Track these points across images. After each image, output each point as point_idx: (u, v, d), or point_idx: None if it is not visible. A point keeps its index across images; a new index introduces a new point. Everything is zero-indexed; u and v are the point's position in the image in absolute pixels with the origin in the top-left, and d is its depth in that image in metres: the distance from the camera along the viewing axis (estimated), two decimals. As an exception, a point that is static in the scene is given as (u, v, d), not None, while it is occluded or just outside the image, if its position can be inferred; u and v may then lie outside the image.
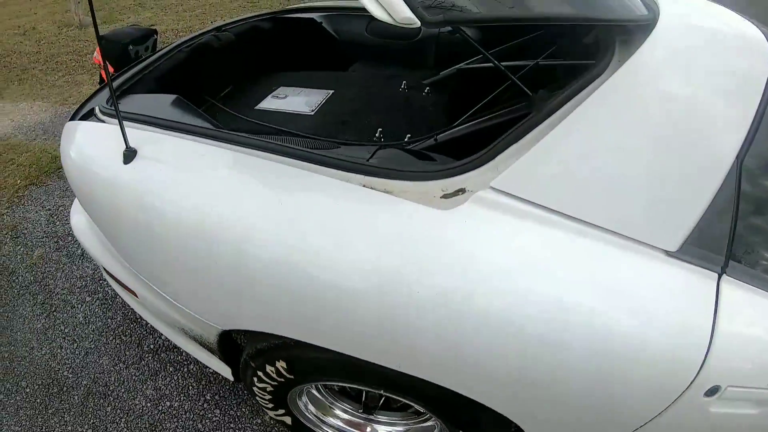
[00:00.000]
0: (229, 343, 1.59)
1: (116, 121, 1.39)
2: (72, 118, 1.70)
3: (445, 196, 1.05)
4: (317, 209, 1.11)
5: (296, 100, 2.13)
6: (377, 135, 1.85)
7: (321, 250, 1.06)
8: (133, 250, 1.51)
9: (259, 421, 1.97)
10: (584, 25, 1.67)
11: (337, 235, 1.06)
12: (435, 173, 1.09)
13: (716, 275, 0.98)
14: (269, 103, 2.13)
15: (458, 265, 0.98)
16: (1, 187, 3.55)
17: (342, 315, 1.08)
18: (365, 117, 2.01)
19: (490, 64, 1.58)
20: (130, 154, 1.34)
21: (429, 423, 1.62)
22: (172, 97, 1.66)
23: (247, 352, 1.45)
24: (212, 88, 2.24)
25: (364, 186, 1.09)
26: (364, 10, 2.01)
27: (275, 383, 1.46)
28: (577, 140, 1.14)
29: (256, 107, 2.12)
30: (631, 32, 1.37)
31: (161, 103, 1.61)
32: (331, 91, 2.18)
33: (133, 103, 1.64)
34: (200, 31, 2.40)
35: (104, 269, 1.86)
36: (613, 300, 0.96)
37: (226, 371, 1.69)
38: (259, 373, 1.44)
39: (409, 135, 1.80)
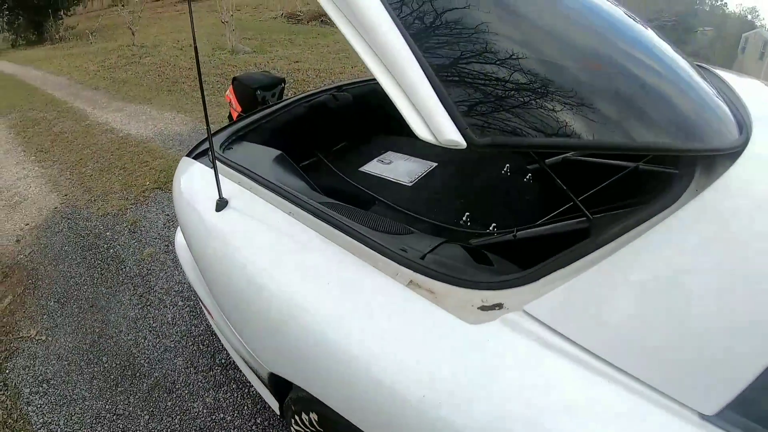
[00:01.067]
0: (280, 381, 1.64)
1: (224, 166, 1.61)
2: (188, 155, 1.93)
3: (482, 308, 1.02)
4: (363, 299, 1.15)
5: (399, 169, 2.24)
6: (464, 219, 1.89)
7: (358, 335, 1.10)
8: (211, 279, 1.67)
9: (297, 457, 2.09)
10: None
11: (374, 325, 1.10)
12: (479, 284, 1.07)
13: None
14: (373, 167, 2.27)
15: (473, 380, 0.95)
16: (131, 184, 3.96)
17: (365, 397, 1.09)
18: (459, 197, 2.04)
19: (604, 159, 1.56)
20: (221, 204, 1.51)
21: None
22: (277, 152, 1.80)
23: (290, 395, 1.54)
24: (325, 143, 2.42)
25: (411, 282, 1.11)
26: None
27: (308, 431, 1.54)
28: (625, 278, 1.04)
29: (360, 168, 2.26)
30: (716, 158, 1.22)
31: (266, 157, 1.76)
32: (434, 164, 2.27)
33: (241, 150, 1.81)
34: (321, 89, 2.60)
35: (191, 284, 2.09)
36: None
37: (274, 405, 1.78)
38: (296, 418, 1.53)
39: (494, 224, 1.83)
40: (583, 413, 0.88)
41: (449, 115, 0.95)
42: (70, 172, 4.26)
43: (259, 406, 2.24)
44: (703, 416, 0.84)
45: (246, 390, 2.30)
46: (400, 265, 1.14)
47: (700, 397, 0.87)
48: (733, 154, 1.21)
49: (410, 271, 1.12)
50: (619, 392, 0.89)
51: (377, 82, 2.07)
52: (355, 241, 1.24)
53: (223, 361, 2.45)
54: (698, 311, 0.98)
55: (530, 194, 2.11)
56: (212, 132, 1.91)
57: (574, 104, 1.14)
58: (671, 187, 1.19)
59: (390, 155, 2.44)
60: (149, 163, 4.28)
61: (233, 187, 1.57)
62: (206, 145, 1.91)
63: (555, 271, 1.05)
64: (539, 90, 1.13)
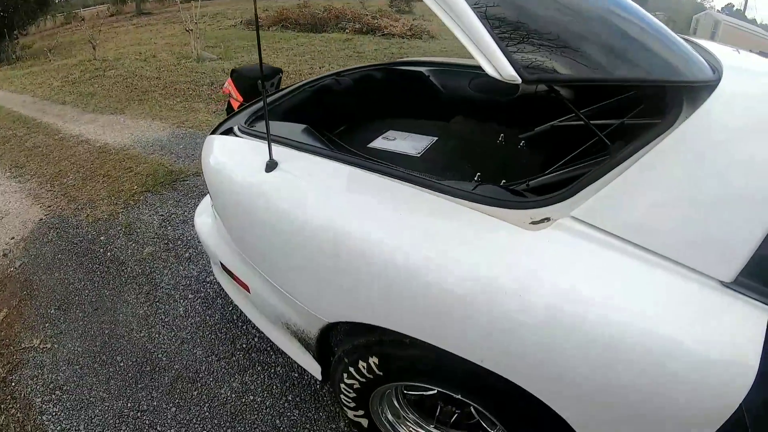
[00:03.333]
0: (325, 343, 1.77)
1: (252, 138, 1.72)
2: (212, 133, 1.99)
3: (533, 223, 1.26)
4: (431, 222, 1.34)
5: (404, 144, 2.33)
6: (476, 179, 2.03)
7: (433, 256, 1.28)
8: (259, 246, 1.75)
9: (334, 426, 2.10)
10: (658, 86, 1.83)
11: (448, 245, 1.28)
12: (527, 203, 1.30)
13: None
14: (380, 143, 2.34)
15: (541, 280, 1.19)
16: (118, 190, 3.91)
17: (442, 312, 1.29)
18: (465, 164, 2.18)
19: (581, 122, 1.76)
20: (272, 164, 1.61)
21: None
22: (302, 126, 1.90)
23: (343, 348, 1.63)
24: (330, 125, 2.47)
25: (469, 210, 1.32)
26: (467, 67, 2.27)
27: (364, 380, 1.61)
28: (647, 180, 1.30)
29: (368, 145, 2.33)
30: (698, 91, 1.49)
31: (293, 130, 1.86)
32: (435, 138, 2.38)
33: (264, 127, 1.89)
34: (323, 75, 2.70)
35: (221, 265, 2.09)
36: (668, 323, 1.14)
37: (316, 369, 1.86)
38: (351, 369, 1.61)
39: (504, 181, 1.96)
40: (623, 289, 1.18)
41: (507, 59, 1.16)
42: (50, 184, 4.17)
43: (288, 384, 2.25)
44: (723, 283, 1.14)
45: (272, 370, 2.31)
46: (456, 197, 1.35)
47: (719, 267, 1.17)
48: (710, 87, 1.50)
49: (466, 201, 1.33)
50: (653, 270, 1.19)
51: (372, 69, 2.32)
52: (411, 184, 1.42)
53: (244, 345, 2.44)
54: (706, 199, 1.26)
55: (526, 157, 2.36)
56: (230, 115, 2.14)
57: (597, 48, 1.43)
58: (666, 117, 1.47)
59: (392, 133, 2.50)
60: (133, 169, 4.23)
61: (276, 151, 1.65)
62: (227, 125, 2.00)
63: (588, 185, 1.31)
64: (571, 39, 1.39)
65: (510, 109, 2.87)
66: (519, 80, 1.14)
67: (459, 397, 1.51)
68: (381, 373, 1.55)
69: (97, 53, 9.06)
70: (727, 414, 1.10)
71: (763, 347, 1.09)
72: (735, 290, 1.15)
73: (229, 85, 2.78)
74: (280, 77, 2.88)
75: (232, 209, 1.80)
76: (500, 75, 1.15)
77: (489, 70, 1.16)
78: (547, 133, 2.46)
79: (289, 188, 1.57)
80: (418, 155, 2.23)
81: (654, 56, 1.56)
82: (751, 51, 2.07)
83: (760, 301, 1.14)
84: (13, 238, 3.52)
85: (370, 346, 1.53)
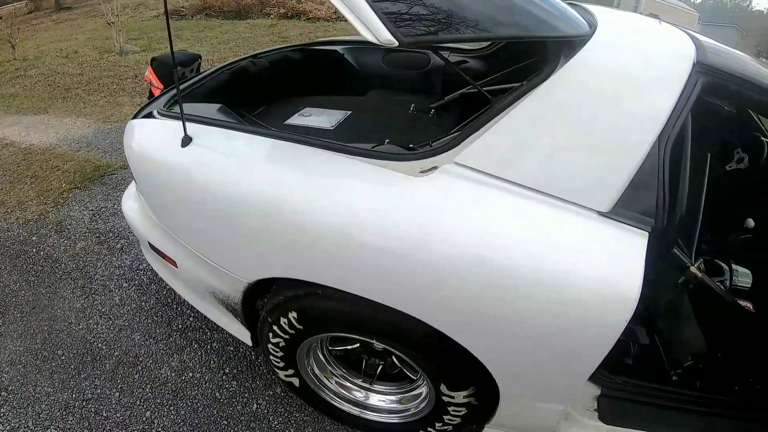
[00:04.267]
0: (251, 309, 1.90)
1: (170, 119, 1.80)
2: (134, 118, 2.05)
3: (422, 172, 1.42)
4: (333, 179, 1.48)
5: (319, 119, 2.41)
6: (385, 144, 2.18)
7: (335, 208, 1.43)
8: (180, 218, 1.86)
9: (271, 393, 2.23)
10: (536, 43, 2.01)
11: (349, 197, 1.44)
12: (417, 155, 1.47)
13: (647, 233, 1.32)
14: (296, 120, 2.42)
15: (428, 217, 1.36)
16: (46, 189, 3.88)
17: (344, 257, 1.45)
18: (377, 133, 2.28)
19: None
20: (187, 140, 1.69)
21: (418, 390, 1.89)
22: (218, 105, 1.99)
23: (265, 309, 1.76)
24: (248, 106, 2.54)
25: (367, 165, 1.47)
26: (379, 45, 2.36)
27: (287, 336, 1.75)
28: (522, 125, 1.44)
29: (285, 123, 2.41)
30: (573, 45, 1.62)
31: (209, 109, 1.94)
32: (349, 112, 2.48)
33: (186, 108, 1.95)
34: (240, 57, 2.77)
35: (149, 245, 2.17)
36: (552, 254, 1.30)
37: (245, 336, 2.00)
38: (275, 328, 1.74)
39: (411, 145, 2.12)
40: (509, 224, 1.34)
41: (383, 24, 1.23)
42: (-25, 191, 4.09)
43: (224, 358, 2.35)
44: (601, 213, 1.33)
45: (209, 346, 2.41)
46: (357, 156, 1.50)
47: (597, 200, 1.35)
48: (583, 41, 1.62)
49: (365, 158, 1.48)
50: (537, 206, 1.35)
51: (289, 50, 2.42)
52: (316, 148, 1.56)
53: (180, 326, 2.53)
54: (579, 139, 1.42)
55: (435, 124, 2.47)
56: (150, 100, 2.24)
57: (472, 10, 1.52)
58: (544, 70, 1.59)
59: (308, 110, 2.58)
60: (60, 167, 4.19)
61: (191, 128, 1.73)
62: (147, 110, 2.07)
63: (470, 135, 1.47)
64: (445, 1, 1.50)
65: (422, 81, 3.00)
66: (396, 43, 1.22)
67: (374, 343, 1.66)
68: (301, 327, 1.68)
69: (16, 53, 8.75)
70: (618, 330, 1.29)
71: (644, 268, 1.28)
72: (612, 218, 1.33)
73: (149, 73, 2.83)
74: (199, 63, 2.93)
75: (154, 187, 1.89)
76: (377, 39, 1.23)
77: (366, 35, 1.24)
78: (457, 101, 2.63)
79: (202, 160, 1.67)
80: (332, 128, 2.32)
81: (527, 15, 1.68)
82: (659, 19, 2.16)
83: (637, 227, 1.33)
84: (-58, 248, 3.48)
85: (288, 301, 1.66)
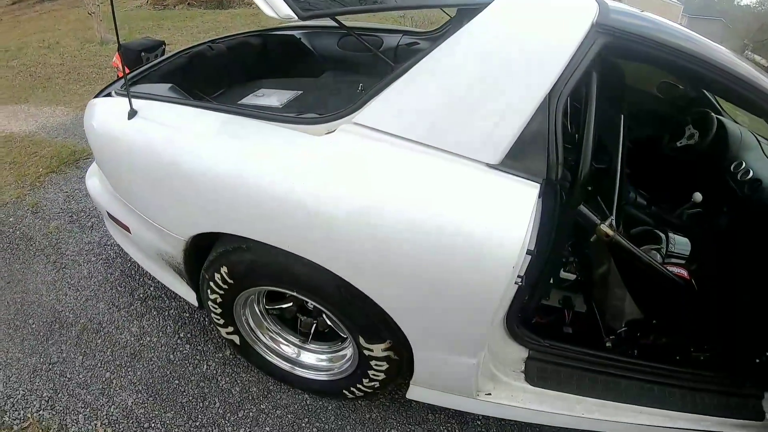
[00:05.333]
0: (196, 273, 2.06)
1: (125, 98, 1.93)
2: (94, 98, 2.22)
3: (328, 132, 1.59)
4: (254, 140, 1.66)
5: (270, 98, 2.55)
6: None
7: (252, 164, 1.62)
8: (127, 183, 2.03)
9: (221, 355, 2.42)
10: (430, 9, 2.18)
11: (265, 155, 1.62)
12: (325, 119, 1.61)
13: (538, 184, 1.46)
14: (249, 100, 2.57)
15: (328, 170, 1.53)
16: (24, 174, 4.02)
17: (260, 208, 1.61)
18: (320, 110, 2.47)
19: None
20: (132, 113, 1.86)
21: (344, 351, 2.08)
22: (168, 85, 2.16)
23: (203, 268, 1.94)
24: (207, 89, 2.69)
25: (283, 128, 1.64)
26: (335, 28, 2.54)
27: (222, 292, 1.93)
28: (414, 86, 1.58)
29: (238, 102, 2.54)
30: (473, 13, 1.72)
31: (160, 88, 2.11)
32: (300, 92, 2.62)
33: (140, 88, 2.12)
34: (197, 43, 2.91)
35: (107, 215, 2.34)
36: (441, 201, 1.45)
37: (192, 297, 2.18)
38: (211, 284, 1.92)
39: None
40: (397, 176, 1.48)
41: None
42: (-44, 177, 4.22)
43: (180, 323, 2.54)
44: (490, 165, 1.46)
45: (167, 313, 2.60)
46: (274, 121, 1.67)
47: (487, 153, 1.47)
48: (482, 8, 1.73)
49: (281, 123, 1.66)
50: (426, 159, 1.49)
51: (247, 35, 2.58)
52: (243, 117, 1.74)
53: (141, 295, 2.71)
54: (469, 97, 1.54)
55: None
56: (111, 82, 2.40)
57: None
58: (442, 36, 1.79)
59: (262, 91, 2.71)
60: (38, 153, 4.33)
61: (139, 104, 1.90)
62: (107, 90, 2.25)
63: (370, 98, 1.60)
64: None
65: (374, 64, 3.15)
66: (295, 17, 1.34)
67: (294, 294, 1.83)
68: (232, 282, 1.86)
69: (-2, 44, 8.88)
70: (507, 276, 1.42)
71: (535, 216, 1.44)
72: (501, 170, 1.46)
73: (116, 59, 3.01)
74: (164, 49, 3.09)
75: (107, 158, 2.06)
76: (278, 15, 1.34)
77: (267, 11, 1.36)
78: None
79: (144, 130, 1.84)
80: (281, 106, 2.46)
81: None
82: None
83: (528, 179, 1.45)
84: None
85: (219, 257, 1.84)
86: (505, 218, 1.41)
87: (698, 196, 2.26)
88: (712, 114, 2.42)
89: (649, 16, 1.99)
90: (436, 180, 1.47)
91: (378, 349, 1.80)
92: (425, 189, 1.46)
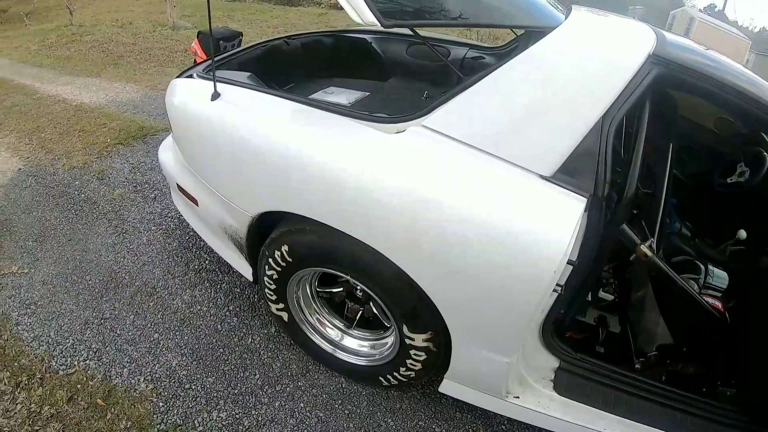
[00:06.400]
0: (255, 251, 2.19)
1: (206, 81, 2.09)
2: (177, 78, 2.39)
3: (398, 132, 1.72)
4: (329, 132, 1.80)
5: (339, 96, 2.68)
6: None
7: (325, 153, 1.76)
8: (202, 159, 2.20)
9: (266, 331, 2.54)
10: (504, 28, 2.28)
11: (337, 145, 1.77)
12: (394, 119, 1.75)
13: (585, 199, 1.55)
14: (319, 95, 2.70)
15: (395, 164, 1.67)
16: (92, 143, 4.23)
17: (328, 191, 1.75)
18: (387, 112, 2.57)
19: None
20: (215, 95, 2.02)
21: (387, 339, 2.16)
22: (247, 73, 2.31)
23: (264, 245, 2.06)
24: (278, 82, 2.81)
25: (358, 125, 1.77)
26: (406, 36, 2.67)
27: (279, 269, 2.04)
28: (480, 97, 1.70)
29: (309, 97, 2.67)
30: (541, 34, 1.85)
31: (240, 75, 2.26)
32: (368, 93, 2.74)
33: (222, 73, 2.25)
34: (274, 37, 3.07)
35: (177, 186, 2.49)
36: (495, 204, 1.56)
37: (248, 271, 2.31)
38: (270, 261, 2.04)
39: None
40: (457, 177, 1.60)
41: (368, 7, 1.48)
42: (28, 138, 4.42)
43: (230, 297, 2.67)
44: (543, 176, 1.54)
45: (219, 286, 2.73)
46: (348, 116, 1.81)
47: (541, 165, 1.57)
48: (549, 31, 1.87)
49: (360, 120, 1.78)
50: (484, 164, 1.60)
51: (321, 35, 2.76)
52: (322, 110, 1.87)
53: (196, 267, 2.86)
54: (531, 110, 1.67)
55: None
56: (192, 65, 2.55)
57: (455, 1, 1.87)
58: (512, 53, 1.89)
59: (332, 88, 2.86)
60: (107, 125, 4.54)
61: (221, 87, 2.07)
62: (188, 73, 2.40)
63: (439, 105, 1.70)
64: None
65: (440, 73, 3.26)
66: (378, 25, 1.48)
67: (348, 278, 1.94)
68: (291, 260, 1.97)
69: (74, 19, 9.17)
70: (547, 282, 1.51)
71: (579, 227, 1.54)
72: (553, 182, 1.56)
73: (195, 45, 3.21)
74: (240, 39, 3.30)
75: (186, 134, 2.24)
76: (363, 20, 1.48)
77: (353, 16, 1.51)
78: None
79: (225, 112, 2.01)
80: (349, 104, 2.58)
81: (502, 6, 2.00)
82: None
83: (576, 192, 1.56)
84: (-7, 185, 3.81)
85: (281, 236, 1.96)
86: (551, 225, 1.52)
87: (743, 234, 2.29)
88: (765, 153, 2.43)
89: (705, 51, 2.08)
90: (493, 184, 1.59)
91: (419, 339, 1.89)
92: (482, 190, 1.58)
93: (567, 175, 1.58)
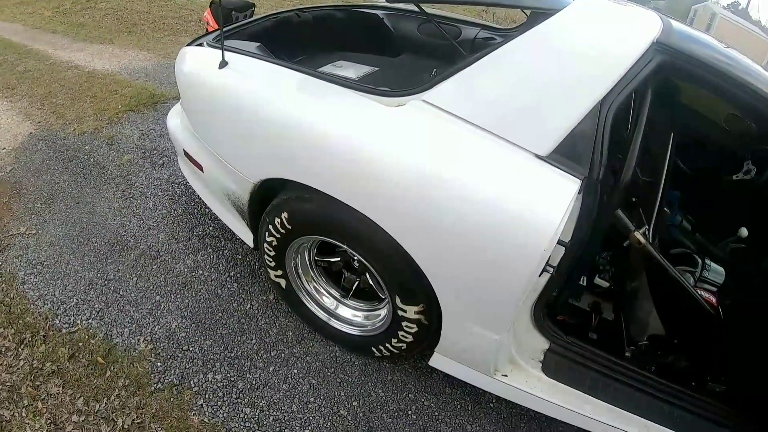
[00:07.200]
0: (256, 214, 2.23)
1: (215, 49, 2.11)
2: (187, 45, 2.42)
3: (398, 105, 1.75)
4: (331, 102, 1.85)
5: (348, 70, 2.69)
6: None
7: (325, 122, 1.81)
8: (209, 126, 2.25)
9: (264, 298, 2.60)
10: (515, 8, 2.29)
11: (339, 115, 1.81)
12: (396, 93, 1.78)
13: (579, 180, 1.56)
14: (327, 69, 2.71)
15: (394, 137, 1.71)
16: (103, 109, 4.27)
17: (328, 161, 1.81)
18: (394, 87, 2.60)
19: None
20: (223, 64, 2.06)
21: (380, 311, 2.22)
22: (256, 43, 2.34)
23: (265, 211, 2.11)
24: (288, 54, 2.82)
25: (358, 96, 1.82)
26: (417, 13, 2.68)
27: (279, 236, 2.09)
28: (480, 75, 1.73)
29: (317, 69, 2.70)
30: (547, 16, 1.86)
31: (249, 45, 2.29)
32: (377, 69, 2.75)
33: (231, 43, 2.28)
34: (284, 9, 3.09)
35: (183, 152, 2.54)
36: (489, 179, 1.59)
37: (249, 237, 2.36)
38: (270, 227, 2.08)
39: None
40: (453, 151, 1.63)
41: None
42: (40, 104, 4.45)
43: (232, 263, 2.72)
44: (538, 156, 1.56)
45: (221, 252, 2.79)
46: (350, 88, 1.85)
47: (536, 144, 1.59)
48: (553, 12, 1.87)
49: (357, 91, 1.83)
50: (482, 140, 1.62)
51: (332, 8, 2.79)
52: (326, 81, 1.91)
53: (200, 232, 2.92)
54: (528, 89, 1.71)
55: None
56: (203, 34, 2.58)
57: None
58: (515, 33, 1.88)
59: (341, 62, 2.87)
60: (119, 91, 4.56)
61: (230, 56, 2.11)
62: (198, 42, 2.43)
63: (440, 81, 1.72)
64: None
65: (451, 52, 3.26)
66: (382, 0, 1.53)
67: (345, 247, 1.98)
68: (290, 227, 2.01)
69: (90, -15, 9.18)
70: (537, 260, 1.54)
71: (571, 208, 1.55)
72: (547, 162, 1.58)
73: (207, 14, 3.24)
74: (253, 10, 3.31)
75: (194, 101, 2.28)
76: None
77: None
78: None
79: (233, 80, 2.06)
80: (357, 78, 2.59)
81: None
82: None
83: (570, 173, 1.57)
84: (4, 148, 3.80)
85: (282, 203, 2.00)
86: (544, 204, 1.54)
87: (744, 232, 2.32)
88: None
89: (716, 44, 2.07)
90: (489, 160, 1.61)
91: (411, 311, 1.93)
92: (478, 166, 1.61)
93: (562, 156, 1.59)
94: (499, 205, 1.55)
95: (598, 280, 2.25)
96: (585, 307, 2.28)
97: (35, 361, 2.15)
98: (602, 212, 1.72)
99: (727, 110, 2.67)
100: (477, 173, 1.59)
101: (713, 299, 2.07)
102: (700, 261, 2.15)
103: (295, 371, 2.29)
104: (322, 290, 2.36)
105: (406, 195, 1.65)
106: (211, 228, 3.00)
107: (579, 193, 1.58)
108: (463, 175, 1.59)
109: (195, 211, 3.13)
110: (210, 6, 3.26)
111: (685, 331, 2.13)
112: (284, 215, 1.99)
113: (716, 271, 2.13)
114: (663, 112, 2.14)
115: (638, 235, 1.86)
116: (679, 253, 2.30)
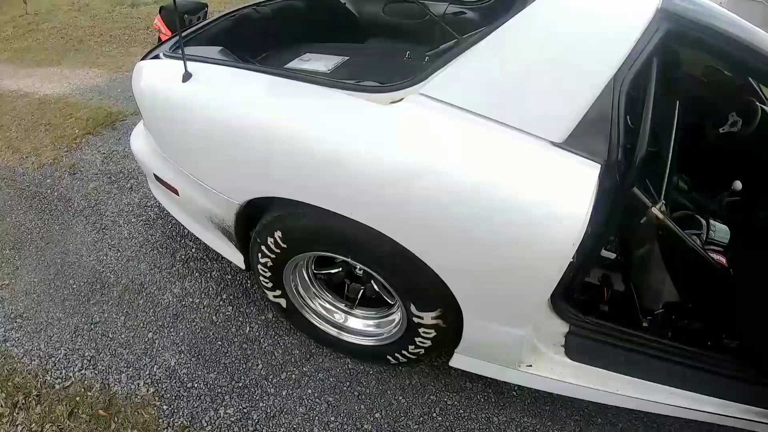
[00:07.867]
0: (245, 237, 2.08)
1: (175, 60, 1.93)
2: (141, 59, 2.22)
3: (392, 102, 1.59)
4: (317, 107, 1.67)
5: (317, 63, 2.54)
6: None
7: (315, 130, 1.63)
8: (180, 146, 2.05)
9: (264, 318, 2.45)
10: None
11: (328, 122, 1.63)
12: (388, 88, 1.62)
13: (598, 165, 1.45)
14: (295, 64, 2.57)
15: (389, 139, 1.55)
16: (60, 136, 4.06)
17: (320, 173, 1.63)
18: (370, 77, 2.38)
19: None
20: (187, 76, 1.86)
21: (393, 316, 2.08)
22: (218, 48, 2.15)
23: (255, 231, 1.95)
24: (251, 52, 2.68)
25: (345, 96, 1.64)
26: None
27: (273, 256, 1.94)
28: (481, 61, 1.58)
29: (285, 66, 2.54)
30: None
31: (210, 51, 2.10)
32: (347, 58, 2.60)
33: (191, 50, 2.09)
34: (243, 6, 2.89)
35: (154, 176, 2.35)
36: (505, 174, 1.45)
37: (239, 259, 2.20)
38: (263, 248, 1.93)
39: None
40: (460, 147, 1.50)
41: None
42: (-7, 139, 4.24)
43: (222, 285, 2.57)
44: (554, 143, 1.45)
45: (209, 275, 2.62)
46: (338, 88, 1.67)
47: (551, 131, 1.46)
48: None
49: (346, 91, 1.66)
50: (490, 132, 1.49)
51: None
52: (306, 83, 1.73)
53: (183, 256, 2.74)
54: (537, 74, 1.54)
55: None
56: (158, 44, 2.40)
57: None
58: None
59: (308, 55, 2.72)
60: (73, 115, 4.35)
61: (191, 66, 1.90)
62: (154, 53, 2.24)
63: (435, 70, 1.60)
64: None
65: (420, 32, 3.13)
66: None
67: (350, 260, 1.85)
68: (285, 246, 1.87)
69: (28, 7, 8.78)
70: (566, 253, 1.44)
71: (594, 196, 1.42)
72: (565, 149, 1.45)
73: (158, 21, 3.03)
74: (206, 11, 3.11)
75: (158, 120, 2.09)
76: None
77: None
78: (452, 48, 2.75)
79: (200, 93, 1.86)
80: (328, 71, 2.45)
81: None
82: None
83: (589, 158, 1.45)
84: (-40, 192, 3.63)
85: (274, 221, 1.85)
86: (567, 196, 1.42)
87: (738, 185, 2.24)
88: (757, 103, 2.37)
89: (712, 6, 1.95)
90: (502, 153, 1.48)
91: (428, 317, 1.82)
92: (490, 161, 1.47)
93: (579, 140, 1.47)
94: (522, 203, 1.42)
95: (604, 253, 2.16)
96: (595, 281, 2.20)
97: (33, 425, 2.01)
98: (619, 192, 1.62)
99: (702, 63, 2.60)
100: (495, 170, 1.46)
101: (723, 259, 2.01)
102: (704, 222, 2.07)
103: (309, 391, 2.16)
104: (327, 305, 2.23)
105: (419, 204, 1.51)
106: (193, 250, 2.83)
107: (598, 177, 1.46)
108: (476, 171, 1.46)
109: (174, 233, 2.96)
110: (160, 12, 3.03)
111: (699, 295, 2.08)
112: (278, 234, 1.85)
113: (721, 231, 2.06)
114: (667, 80, 2.02)
115: (656, 211, 1.77)
116: (682, 216, 2.22)
